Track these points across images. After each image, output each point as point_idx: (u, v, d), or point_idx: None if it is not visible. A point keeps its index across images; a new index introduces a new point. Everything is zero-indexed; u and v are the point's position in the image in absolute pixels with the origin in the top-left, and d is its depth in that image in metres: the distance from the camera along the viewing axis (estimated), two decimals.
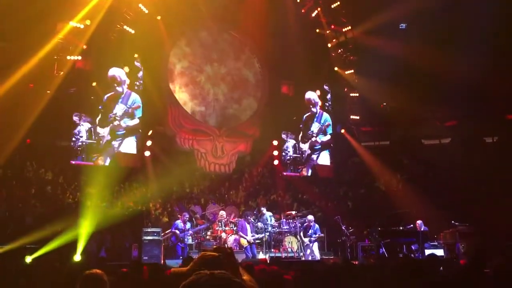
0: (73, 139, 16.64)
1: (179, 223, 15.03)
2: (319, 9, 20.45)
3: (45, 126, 16.12)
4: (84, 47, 16.35)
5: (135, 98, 17.92)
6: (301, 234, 16.16)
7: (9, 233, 13.32)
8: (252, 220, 16.25)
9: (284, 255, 15.65)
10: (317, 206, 19.25)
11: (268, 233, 16.02)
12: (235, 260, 3.98)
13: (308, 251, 15.87)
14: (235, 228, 15.83)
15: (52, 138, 17.41)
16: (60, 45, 16.16)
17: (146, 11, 17.76)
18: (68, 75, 16.25)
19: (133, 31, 17.52)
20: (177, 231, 14.84)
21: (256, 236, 15.82)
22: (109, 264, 12.17)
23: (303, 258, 15.33)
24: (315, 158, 21.14)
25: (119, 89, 17.61)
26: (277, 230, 16.57)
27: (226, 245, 15.43)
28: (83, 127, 16.83)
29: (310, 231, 16.01)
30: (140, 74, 18.11)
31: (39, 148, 17.09)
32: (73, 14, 15.95)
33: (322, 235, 16.20)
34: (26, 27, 15.58)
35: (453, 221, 15.71)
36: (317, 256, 15.57)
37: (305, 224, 16.30)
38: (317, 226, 16.11)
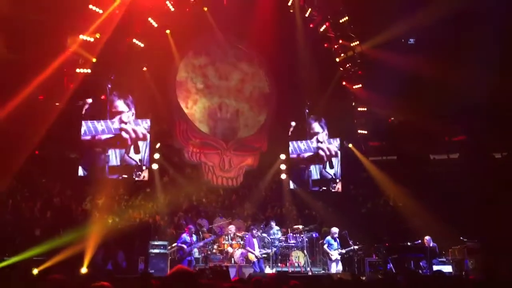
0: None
1: (185, 236, 14.96)
2: (327, 24, 20.50)
3: (54, 138, 16.21)
4: (94, 60, 16.46)
5: None
6: (325, 248, 15.93)
7: (16, 245, 13.34)
8: (259, 234, 16.18)
9: (291, 269, 15.56)
10: (324, 221, 19.13)
11: (275, 248, 15.93)
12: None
13: (334, 265, 15.71)
14: (242, 242, 15.77)
15: (61, 150, 17.47)
16: (70, 58, 16.28)
17: (156, 25, 17.89)
18: (77, 87, 16.35)
19: (142, 45, 17.64)
20: (184, 246, 14.75)
21: (264, 251, 15.74)
22: (115, 277, 12.17)
23: (310, 273, 15.23)
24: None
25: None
26: (284, 244, 16.47)
27: (232, 259, 15.38)
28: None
29: (335, 244, 15.90)
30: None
31: (48, 159, 17.15)
32: (84, 28, 16.09)
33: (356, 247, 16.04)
34: (37, 40, 15.74)
35: (461, 237, 15.61)
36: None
37: (327, 238, 16.14)
38: (339, 240, 16.04)
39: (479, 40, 18.44)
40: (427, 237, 15.47)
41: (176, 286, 3.64)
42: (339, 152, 20.68)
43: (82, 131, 16.30)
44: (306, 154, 20.38)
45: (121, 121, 17.00)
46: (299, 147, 20.37)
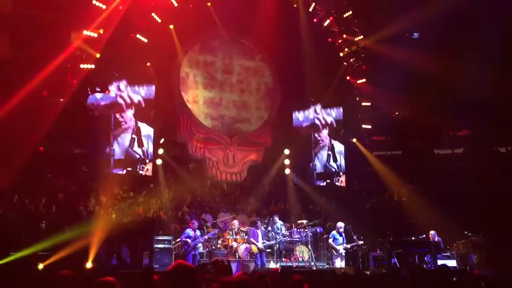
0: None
1: (189, 231, 15.01)
2: (331, 18, 20.44)
3: (58, 133, 16.25)
4: (98, 56, 16.47)
5: None
6: (331, 242, 15.95)
7: (21, 240, 13.40)
8: (263, 229, 16.23)
9: (295, 264, 15.58)
10: (328, 216, 19.15)
11: (279, 242, 15.95)
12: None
13: (339, 260, 15.76)
14: (246, 237, 15.79)
15: (65, 146, 17.52)
16: (73, 53, 16.30)
17: (159, 20, 17.89)
18: (81, 83, 16.39)
19: (146, 40, 17.64)
20: (189, 240, 14.80)
21: (267, 243, 15.77)
22: (120, 271, 12.22)
23: (314, 268, 15.23)
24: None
25: None
26: (288, 239, 16.48)
27: (237, 254, 15.40)
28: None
29: (340, 239, 15.92)
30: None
31: (52, 155, 17.20)
32: (87, 23, 16.10)
33: (361, 243, 16.06)
34: (40, 36, 15.74)
35: (466, 232, 15.59)
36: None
37: (332, 232, 16.16)
38: (345, 234, 16.05)
39: (484, 36, 18.35)
40: (432, 232, 15.44)
41: (176, 281, 3.65)
42: (334, 123, 21.26)
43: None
44: (305, 124, 21.02)
45: (118, 89, 17.41)
46: (298, 118, 21.05)
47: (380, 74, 20.03)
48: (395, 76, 18.74)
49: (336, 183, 20.64)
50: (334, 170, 20.70)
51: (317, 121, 21.02)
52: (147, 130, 17.80)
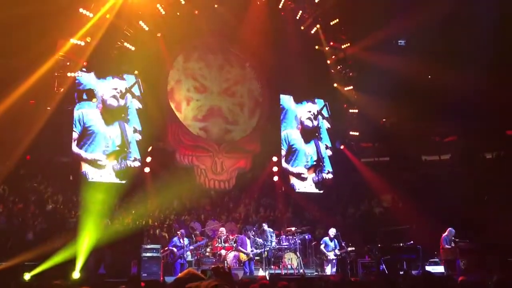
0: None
1: (176, 240, 14.98)
2: (318, 26, 20.56)
3: (45, 142, 16.15)
4: (85, 64, 16.42)
5: None
6: (322, 248, 16.01)
7: (8, 249, 13.28)
8: (252, 236, 16.21)
9: (284, 271, 15.57)
10: (317, 223, 19.18)
11: (267, 249, 15.93)
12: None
13: (330, 267, 15.80)
14: (234, 245, 15.76)
15: (52, 154, 17.42)
16: (60, 62, 16.25)
17: (147, 28, 17.87)
18: (68, 91, 16.34)
19: (133, 48, 17.62)
20: (175, 249, 14.78)
21: (255, 251, 15.75)
22: (108, 281, 12.16)
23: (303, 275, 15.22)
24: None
25: None
26: (277, 246, 16.47)
27: (225, 262, 15.36)
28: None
29: (331, 245, 15.93)
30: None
31: (39, 164, 17.09)
32: (74, 31, 16.06)
33: (350, 249, 16.05)
34: (27, 44, 15.67)
35: (453, 237, 15.65)
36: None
37: (324, 238, 16.20)
38: (336, 241, 16.07)
39: (470, 42, 18.55)
40: (450, 229, 15.36)
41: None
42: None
43: None
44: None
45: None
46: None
47: (367, 81, 20.16)
48: (382, 83, 18.88)
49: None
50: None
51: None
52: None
